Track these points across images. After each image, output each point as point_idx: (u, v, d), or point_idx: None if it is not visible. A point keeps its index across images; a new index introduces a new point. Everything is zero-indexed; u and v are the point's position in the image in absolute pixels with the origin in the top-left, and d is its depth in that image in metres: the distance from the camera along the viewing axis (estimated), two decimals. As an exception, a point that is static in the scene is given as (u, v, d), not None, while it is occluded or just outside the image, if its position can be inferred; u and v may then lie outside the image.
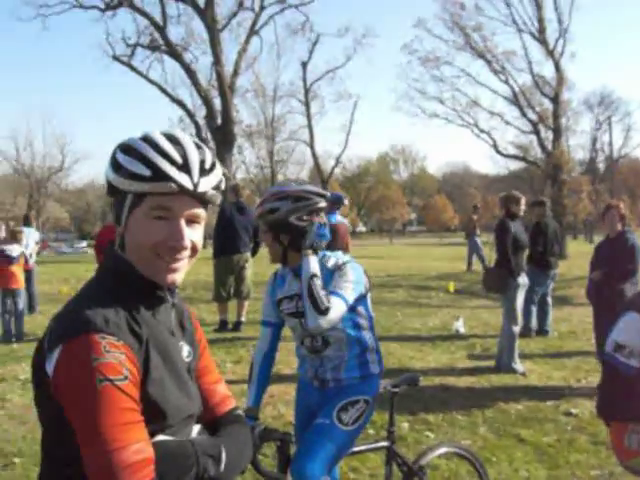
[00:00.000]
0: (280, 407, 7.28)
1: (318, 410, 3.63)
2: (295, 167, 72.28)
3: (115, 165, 1.80)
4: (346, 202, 11.95)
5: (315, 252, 3.52)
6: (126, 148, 1.80)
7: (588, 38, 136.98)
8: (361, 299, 3.64)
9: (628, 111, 79.54)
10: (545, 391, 8.17)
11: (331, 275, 3.53)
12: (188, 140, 1.86)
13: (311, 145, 55.76)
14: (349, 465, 5.65)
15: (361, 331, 3.68)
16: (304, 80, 54.20)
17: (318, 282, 3.38)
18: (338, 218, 11.38)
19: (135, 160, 1.76)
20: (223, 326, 11.88)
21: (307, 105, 55.02)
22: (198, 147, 1.86)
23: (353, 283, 3.51)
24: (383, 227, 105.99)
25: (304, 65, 53.00)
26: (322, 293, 3.35)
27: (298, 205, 3.51)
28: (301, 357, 3.85)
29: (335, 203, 11.54)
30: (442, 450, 4.20)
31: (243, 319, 11.96)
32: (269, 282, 3.93)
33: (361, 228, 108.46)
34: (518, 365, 9.08)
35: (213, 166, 1.86)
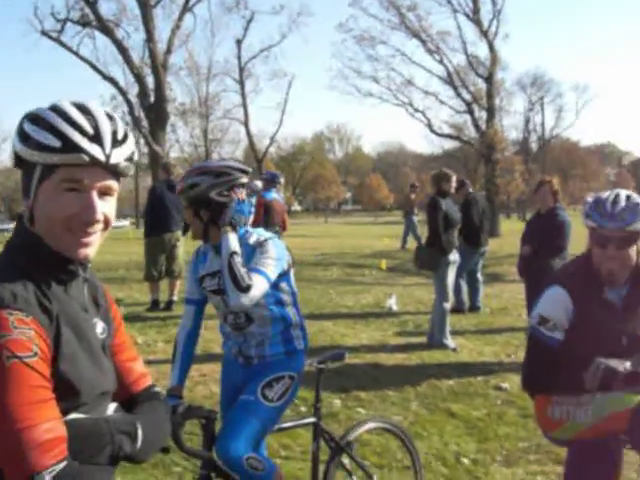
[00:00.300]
0: (212, 386, 7.22)
1: (243, 387, 3.61)
2: (230, 146, 71.73)
3: (23, 135, 1.73)
4: (282, 180, 11.96)
5: (234, 229, 3.47)
6: (34, 118, 1.74)
7: (522, 20, 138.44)
8: (284, 275, 3.63)
9: (560, 92, 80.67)
10: (476, 366, 8.27)
11: (253, 251, 3.50)
12: (99, 110, 1.80)
13: (246, 124, 55.33)
14: (280, 442, 5.66)
15: (284, 307, 3.67)
16: (239, 58, 53.63)
17: (238, 259, 3.35)
18: (274, 196, 11.40)
19: (44, 130, 1.70)
20: (155, 305, 11.76)
21: (242, 83, 54.50)
22: (110, 117, 1.80)
23: (275, 259, 3.50)
24: (318, 206, 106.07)
25: (239, 43, 52.43)
26: (243, 271, 3.32)
27: (219, 180, 3.48)
28: (225, 334, 3.83)
29: (271, 181, 11.58)
30: (370, 425, 4.22)
31: (175, 298, 11.82)
32: (191, 259, 3.90)
33: (296, 207, 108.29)
34: (449, 341, 9.16)
35: (125, 137, 1.81)
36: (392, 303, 12.12)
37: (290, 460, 5.43)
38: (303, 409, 6.40)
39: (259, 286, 3.35)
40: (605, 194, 3.25)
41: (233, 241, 3.41)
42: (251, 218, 3.62)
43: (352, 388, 7.27)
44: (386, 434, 5.31)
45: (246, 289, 3.28)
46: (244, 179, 3.56)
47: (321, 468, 3.90)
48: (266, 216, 11.08)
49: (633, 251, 3.19)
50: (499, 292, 14.20)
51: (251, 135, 55.76)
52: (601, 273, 3.22)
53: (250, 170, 3.66)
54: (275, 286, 3.58)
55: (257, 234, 3.60)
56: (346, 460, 4.15)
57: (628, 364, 3.08)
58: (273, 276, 3.47)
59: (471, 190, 12.45)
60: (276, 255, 3.51)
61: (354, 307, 12.52)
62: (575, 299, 3.19)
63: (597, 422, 3.10)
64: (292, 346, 3.68)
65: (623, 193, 3.23)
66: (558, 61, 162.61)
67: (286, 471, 5.13)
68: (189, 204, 3.56)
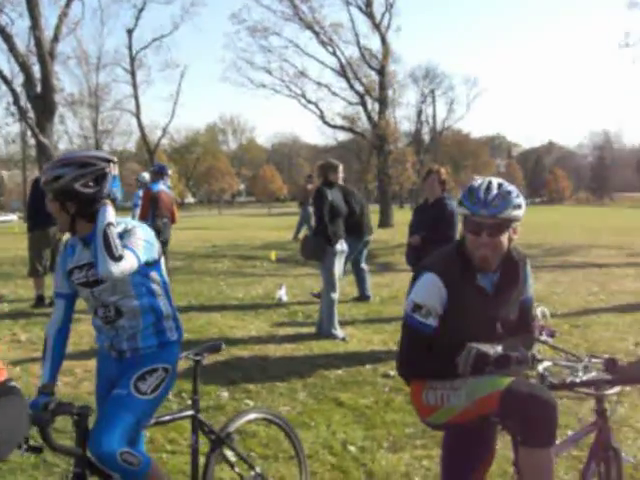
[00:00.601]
0: (97, 382, 7.09)
1: (117, 381, 3.54)
2: (121, 137, 70.94)
3: None
4: (169, 172, 11.86)
5: (113, 202, 3.42)
6: None
7: (415, 13, 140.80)
8: (154, 264, 3.58)
9: (451, 85, 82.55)
10: (365, 355, 8.34)
11: (121, 239, 3.42)
12: None
13: (137, 115, 54.67)
14: (166, 437, 5.60)
15: (155, 298, 3.60)
16: (130, 48, 53.00)
17: (114, 230, 3.32)
18: (161, 187, 11.31)
19: None
20: (40, 301, 11.44)
21: (133, 74, 53.83)
22: None
23: (144, 241, 3.46)
24: (212, 198, 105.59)
25: (129, 32, 51.73)
26: (118, 241, 3.29)
27: (83, 171, 3.40)
28: (97, 328, 3.74)
29: (158, 173, 11.49)
30: (251, 417, 4.18)
31: (61, 293, 11.53)
32: (60, 253, 3.80)
33: (190, 199, 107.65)
34: (338, 331, 9.19)
35: None
36: (282, 294, 12.13)
37: (177, 454, 5.36)
38: (190, 403, 6.33)
39: (129, 260, 3.31)
40: (477, 182, 3.29)
41: (111, 212, 3.39)
42: (138, 210, 3.58)
43: (240, 380, 7.24)
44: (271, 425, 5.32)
45: (118, 258, 3.24)
46: (109, 169, 3.49)
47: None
48: (154, 208, 10.97)
49: (505, 238, 3.24)
50: (390, 281, 14.37)
51: (143, 127, 55.20)
52: (474, 259, 3.27)
53: (115, 159, 3.59)
54: (145, 275, 3.53)
55: (125, 223, 3.53)
56: (230, 452, 4.11)
57: (499, 348, 3.14)
58: (142, 257, 3.42)
59: (342, 183, 12.53)
60: (145, 238, 3.48)
61: (244, 299, 12.51)
62: (448, 285, 3.24)
63: (470, 405, 3.15)
64: (165, 338, 3.61)
65: (495, 181, 3.28)
66: (450, 55, 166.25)
67: (172, 465, 5.11)
68: (54, 197, 3.47)
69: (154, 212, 10.98)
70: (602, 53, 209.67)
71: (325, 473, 5.05)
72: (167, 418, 3.84)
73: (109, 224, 3.31)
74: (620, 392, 6.34)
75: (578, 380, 3.43)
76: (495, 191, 3.19)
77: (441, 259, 3.40)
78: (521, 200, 3.24)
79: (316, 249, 9.14)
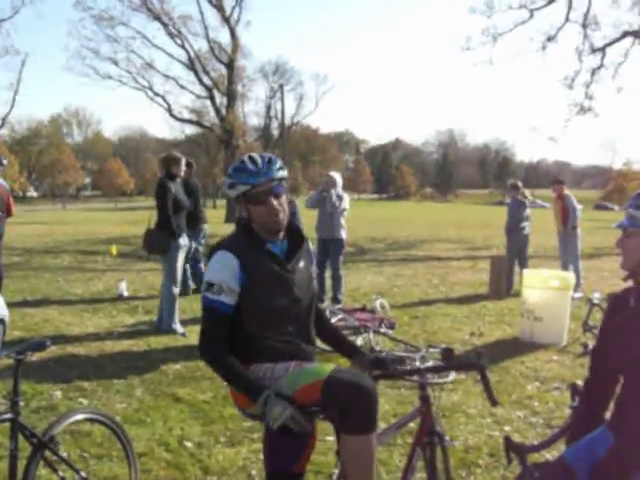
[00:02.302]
0: None
1: None
2: (-45, 128, 67.91)
3: None
4: (4, 162, 11.43)
5: None
6: None
7: (266, 8, 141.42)
8: None
9: (301, 81, 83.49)
10: (203, 350, 8.24)
11: None
12: None
13: (-27, 104, 52.63)
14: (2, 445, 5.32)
15: None
16: (-37, 32, 50.82)
17: None
18: (-5, 179, 10.90)
19: None
20: None
21: (-33, 60, 51.73)
22: None
23: None
24: (56, 192, 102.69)
25: (-37, 16, 49.68)
26: None
27: None
28: None
29: (-11, 165, 11.04)
30: (77, 417, 4.00)
31: None
32: None
33: (32, 193, 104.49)
34: (178, 326, 9.11)
35: None
36: (123, 289, 11.98)
37: (4, 459, 5.09)
38: (22, 404, 6.08)
39: None
40: (235, 164, 3.31)
41: None
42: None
43: (74, 378, 7.02)
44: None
45: None
46: None
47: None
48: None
49: (285, 198, 3.33)
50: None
51: (-21, 117, 53.11)
52: (267, 228, 3.28)
53: None
54: None
55: None
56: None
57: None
58: None
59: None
60: None
61: (83, 294, 12.27)
62: (241, 258, 3.21)
63: (292, 394, 3.12)
64: None
65: (253, 154, 3.35)
66: (300, 52, 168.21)
67: (-2, 471, 4.87)
68: None
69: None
70: (446, 54, 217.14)
71: (160, 471, 4.95)
72: (-21, 423, 3.61)
73: None
74: (455, 380, 6.57)
75: (405, 369, 3.48)
76: (260, 159, 3.27)
77: (228, 237, 3.40)
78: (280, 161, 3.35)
79: (159, 243, 8.97)
